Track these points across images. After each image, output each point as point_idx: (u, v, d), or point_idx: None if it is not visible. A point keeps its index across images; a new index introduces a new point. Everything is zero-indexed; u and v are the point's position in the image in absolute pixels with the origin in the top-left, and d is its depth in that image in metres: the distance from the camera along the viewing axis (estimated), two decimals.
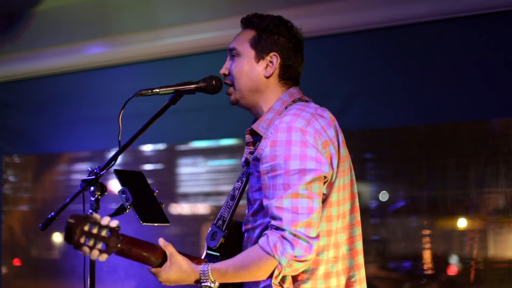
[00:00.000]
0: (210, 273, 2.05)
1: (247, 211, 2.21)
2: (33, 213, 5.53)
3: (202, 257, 2.22)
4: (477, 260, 3.81)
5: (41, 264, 5.52)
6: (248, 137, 2.24)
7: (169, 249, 2.09)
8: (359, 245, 2.20)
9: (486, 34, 3.76)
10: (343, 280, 2.14)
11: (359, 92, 4.10)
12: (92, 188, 2.23)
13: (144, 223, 2.18)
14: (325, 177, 2.04)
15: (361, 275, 2.19)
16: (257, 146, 2.16)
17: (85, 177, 2.25)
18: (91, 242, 1.83)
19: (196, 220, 4.87)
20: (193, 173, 4.94)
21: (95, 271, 2.26)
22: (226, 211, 2.23)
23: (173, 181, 5.00)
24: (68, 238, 1.80)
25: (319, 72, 4.03)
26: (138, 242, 2.02)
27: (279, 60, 2.21)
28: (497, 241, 3.79)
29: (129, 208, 2.18)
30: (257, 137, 2.21)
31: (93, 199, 2.24)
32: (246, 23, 2.28)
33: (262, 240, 1.99)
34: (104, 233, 1.86)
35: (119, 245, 1.91)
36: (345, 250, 2.15)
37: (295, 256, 1.94)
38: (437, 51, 3.89)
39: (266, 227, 2.05)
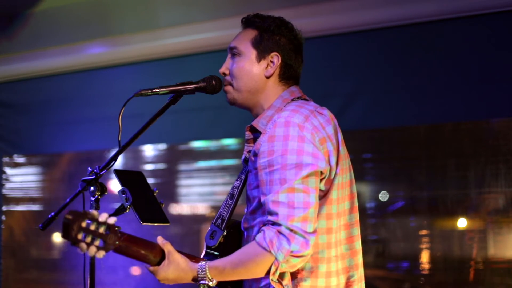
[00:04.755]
0: (207, 271, 2.05)
1: (246, 209, 2.21)
2: (33, 213, 5.53)
3: (201, 256, 2.21)
4: (476, 260, 3.80)
5: (41, 264, 5.52)
6: (248, 134, 2.24)
7: (167, 247, 2.09)
8: (358, 244, 2.20)
9: (486, 34, 3.75)
10: (343, 279, 2.14)
11: (359, 92, 4.10)
12: (92, 188, 2.23)
13: (144, 223, 2.18)
14: (321, 172, 2.03)
15: (359, 274, 2.20)
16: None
17: (85, 177, 2.26)
18: (88, 239, 1.82)
19: (196, 220, 4.87)
20: (193, 173, 4.94)
21: (95, 271, 2.26)
22: (225, 210, 2.23)
23: (173, 181, 4.99)
24: (65, 234, 1.78)
25: (319, 72, 4.03)
26: (136, 240, 2.02)
27: (280, 60, 2.21)
28: (497, 241, 3.78)
29: (129, 208, 2.18)
30: (257, 134, 2.20)
31: (93, 199, 2.24)
32: (247, 22, 2.28)
33: (259, 236, 1.98)
34: (102, 230, 1.85)
35: (117, 242, 1.90)
36: (345, 249, 2.15)
37: (292, 251, 1.93)
38: (437, 51, 3.89)
39: (264, 224, 2.04)
